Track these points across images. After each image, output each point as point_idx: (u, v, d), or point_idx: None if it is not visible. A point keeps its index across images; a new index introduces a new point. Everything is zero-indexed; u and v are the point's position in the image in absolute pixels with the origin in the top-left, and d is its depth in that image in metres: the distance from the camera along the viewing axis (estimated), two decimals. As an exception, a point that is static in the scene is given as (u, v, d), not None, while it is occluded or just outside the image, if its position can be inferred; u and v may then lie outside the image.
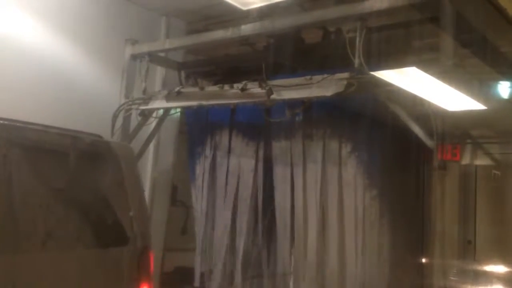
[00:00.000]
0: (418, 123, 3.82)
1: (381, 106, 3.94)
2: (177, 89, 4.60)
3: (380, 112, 4.05)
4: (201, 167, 5.37)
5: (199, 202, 5.37)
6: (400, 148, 4.33)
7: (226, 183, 5.10)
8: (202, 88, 4.54)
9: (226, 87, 4.36)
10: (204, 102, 4.46)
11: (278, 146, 4.72)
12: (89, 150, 3.53)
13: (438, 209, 3.85)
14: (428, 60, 3.41)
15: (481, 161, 4.41)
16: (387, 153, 4.32)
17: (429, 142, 3.77)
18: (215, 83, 4.99)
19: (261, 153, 4.89)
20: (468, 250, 4.24)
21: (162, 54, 5.72)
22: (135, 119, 5.33)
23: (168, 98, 4.66)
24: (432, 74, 3.09)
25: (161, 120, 5.56)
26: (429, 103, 3.61)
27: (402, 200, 4.42)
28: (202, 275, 5.27)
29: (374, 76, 3.51)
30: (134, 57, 5.30)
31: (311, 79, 3.95)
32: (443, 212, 3.88)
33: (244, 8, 3.29)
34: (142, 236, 3.62)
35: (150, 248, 3.73)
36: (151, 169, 6.43)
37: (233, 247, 5.09)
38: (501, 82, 3.45)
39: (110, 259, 3.44)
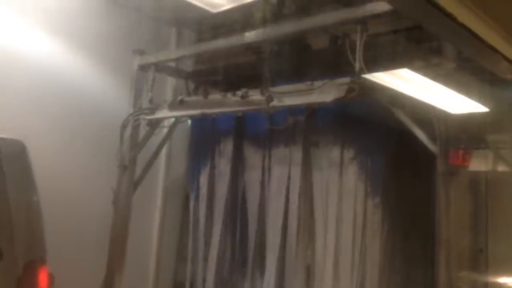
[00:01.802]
0: (422, 128, 3.69)
1: (385, 111, 3.83)
2: (179, 98, 4.61)
3: (383, 117, 3.94)
4: (205, 177, 5.37)
5: (200, 212, 5.38)
6: (406, 153, 4.20)
7: (231, 193, 5.07)
8: (205, 97, 4.53)
9: (229, 95, 4.34)
10: (207, 111, 4.45)
11: (281, 154, 4.66)
12: None
13: (446, 217, 3.69)
14: (430, 63, 3.31)
15: (492, 166, 4.23)
16: (392, 159, 4.19)
17: (432, 147, 3.64)
18: (224, 92, 4.99)
19: (266, 162, 4.84)
20: (480, 258, 4.05)
21: (172, 64, 5.76)
22: (144, 130, 5.40)
23: (171, 107, 4.67)
24: (430, 77, 2.98)
25: (172, 129, 5.59)
26: (431, 106, 3.49)
27: (409, 207, 4.28)
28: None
29: (374, 81, 3.43)
30: (142, 67, 5.35)
31: (312, 84, 3.90)
32: (452, 220, 3.72)
33: (214, 10, 3.25)
34: (27, 249, 3.16)
35: (43, 263, 3.28)
36: (163, 178, 6.44)
37: (243, 257, 5.05)
38: (503, 84, 3.30)
39: None
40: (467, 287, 3.80)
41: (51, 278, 3.48)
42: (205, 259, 5.40)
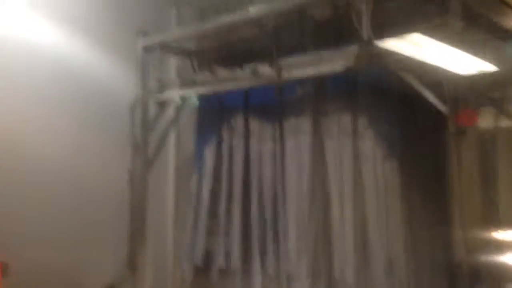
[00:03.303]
0: (432, 90, 3.78)
1: (395, 77, 3.91)
2: (189, 76, 4.67)
3: (394, 82, 4.02)
4: (213, 152, 5.45)
5: (205, 186, 5.48)
6: (417, 116, 4.30)
7: (242, 168, 5.18)
8: (214, 74, 4.59)
9: (238, 70, 4.40)
10: (217, 87, 4.52)
11: (293, 126, 4.74)
12: None
13: (459, 175, 3.82)
14: (437, 25, 3.36)
15: (501, 123, 4.32)
16: (405, 123, 4.30)
17: (443, 108, 3.74)
18: (229, 68, 5.03)
19: (277, 134, 4.93)
20: (492, 211, 4.20)
21: (174, 44, 5.78)
22: (153, 111, 5.47)
23: (182, 86, 4.74)
24: (437, 39, 3.05)
25: (180, 108, 5.65)
26: (440, 68, 3.57)
27: (423, 168, 4.40)
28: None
29: (383, 48, 3.50)
30: (146, 48, 5.37)
31: (320, 55, 3.96)
32: (464, 177, 3.85)
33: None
34: None
35: None
36: (173, 158, 6.57)
37: (258, 230, 5.18)
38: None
39: None
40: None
41: (4, 267, 3.47)
42: (223, 234, 5.52)
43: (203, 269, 5.51)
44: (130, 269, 5.17)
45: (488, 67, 3.42)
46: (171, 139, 6.36)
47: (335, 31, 4.68)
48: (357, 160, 4.33)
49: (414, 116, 4.29)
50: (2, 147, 4.77)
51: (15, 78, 4.99)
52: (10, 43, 4.96)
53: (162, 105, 5.32)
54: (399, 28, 3.59)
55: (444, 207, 3.92)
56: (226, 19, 4.64)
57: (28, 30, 5.12)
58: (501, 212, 4.12)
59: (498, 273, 4.27)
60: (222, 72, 4.63)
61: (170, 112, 5.62)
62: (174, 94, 5.14)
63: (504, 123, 4.32)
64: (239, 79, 4.32)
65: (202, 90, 4.71)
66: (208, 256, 5.49)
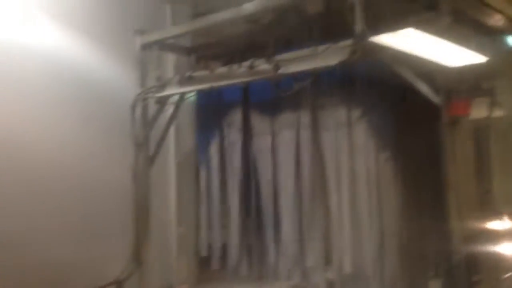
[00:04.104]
0: (424, 82, 3.87)
1: (388, 70, 4.00)
2: (188, 73, 4.76)
3: (387, 75, 4.10)
4: (215, 148, 5.55)
5: (213, 182, 5.58)
6: (410, 108, 4.40)
7: (244, 162, 5.29)
8: (211, 71, 4.68)
9: (235, 67, 4.49)
10: (215, 84, 4.61)
11: (289, 119, 4.85)
12: None
13: (453, 164, 3.92)
14: (427, 19, 3.44)
15: (493, 112, 4.40)
16: (397, 114, 4.40)
17: (436, 99, 3.84)
18: (225, 64, 5.12)
19: (275, 128, 5.03)
20: (487, 199, 4.30)
21: (171, 41, 5.86)
22: (152, 108, 5.56)
23: (180, 83, 4.83)
24: (430, 33, 3.14)
25: (178, 104, 5.75)
26: (432, 61, 3.66)
27: (418, 159, 4.51)
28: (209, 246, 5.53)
29: (376, 42, 3.58)
30: (144, 46, 5.45)
31: (316, 50, 4.05)
32: (458, 166, 3.95)
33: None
34: None
35: None
36: (174, 154, 6.67)
37: (261, 222, 5.30)
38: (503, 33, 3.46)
39: None
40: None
41: None
42: (225, 226, 5.65)
43: (213, 261, 5.64)
44: (136, 263, 5.29)
45: (477, 58, 3.51)
46: (171, 135, 6.47)
47: (329, 26, 4.77)
48: (352, 151, 4.44)
49: (408, 107, 4.38)
50: (7, 149, 4.86)
51: (16, 80, 5.05)
52: (9, 45, 5.03)
53: (161, 102, 5.41)
54: (391, 22, 3.67)
55: (439, 197, 4.02)
56: (221, 16, 4.72)
57: (27, 31, 5.19)
58: (496, 201, 4.21)
59: (494, 263, 4.37)
60: (220, 69, 4.70)
61: (169, 109, 5.72)
62: (172, 91, 5.23)
63: (496, 112, 4.41)
64: (236, 75, 4.41)
65: (200, 87, 4.80)
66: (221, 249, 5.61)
